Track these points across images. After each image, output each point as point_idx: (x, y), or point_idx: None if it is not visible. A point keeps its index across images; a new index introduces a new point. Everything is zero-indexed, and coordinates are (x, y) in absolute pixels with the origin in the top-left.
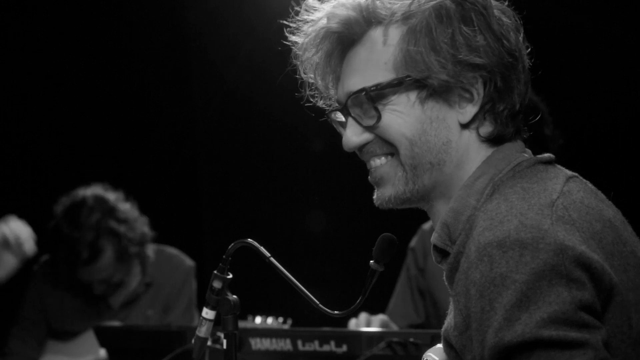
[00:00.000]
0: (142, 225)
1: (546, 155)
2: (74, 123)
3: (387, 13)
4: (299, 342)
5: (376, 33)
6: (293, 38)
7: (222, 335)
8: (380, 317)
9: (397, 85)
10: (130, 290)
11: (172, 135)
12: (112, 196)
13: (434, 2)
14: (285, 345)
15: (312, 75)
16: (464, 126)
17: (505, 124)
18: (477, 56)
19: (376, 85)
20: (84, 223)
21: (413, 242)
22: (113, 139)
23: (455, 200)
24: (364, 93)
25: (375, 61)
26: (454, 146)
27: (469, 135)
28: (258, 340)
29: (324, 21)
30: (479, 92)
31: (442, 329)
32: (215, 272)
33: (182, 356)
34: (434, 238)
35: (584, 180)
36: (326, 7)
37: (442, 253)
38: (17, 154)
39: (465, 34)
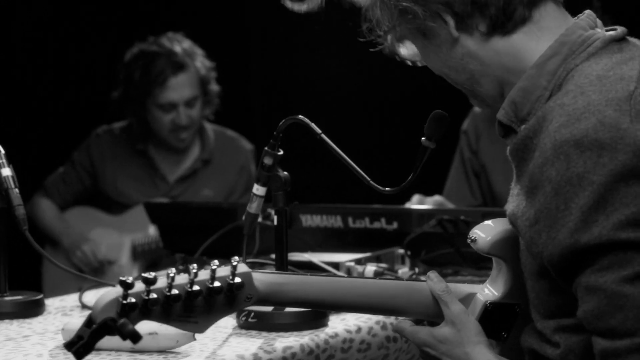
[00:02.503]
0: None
1: (619, 30)
2: None
3: None
4: (350, 219)
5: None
6: None
7: (272, 212)
8: (435, 198)
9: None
10: (188, 165)
11: (223, 14)
12: None
13: None
14: (335, 222)
15: None
16: (463, 37)
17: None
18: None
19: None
20: (165, 43)
21: (465, 125)
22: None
23: (525, 79)
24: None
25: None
26: (473, 56)
27: (476, 41)
28: (309, 217)
29: None
30: (443, 15)
31: (508, 211)
32: (266, 148)
33: (233, 232)
34: (499, 114)
35: None
36: None
37: (506, 129)
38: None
39: None
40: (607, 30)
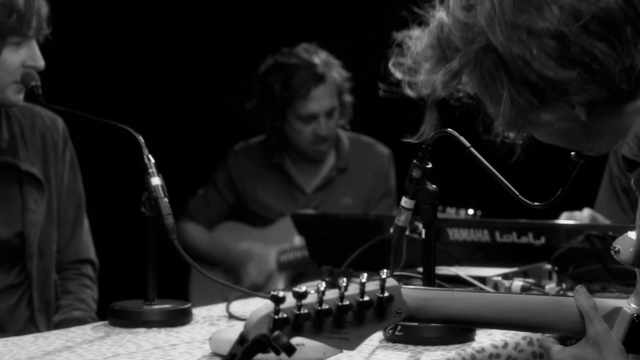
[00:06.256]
0: None
1: None
2: None
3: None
4: (497, 234)
5: None
6: None
7: (420, 225)
8: (587, 212)
9: None
10: (324, 175)
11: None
12: None
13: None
14: (483, 236)
15: None
16: (588, 118)
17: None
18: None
19: None
20: (303, 55)
21: None
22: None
23: None
24: None
25: None
26: (605, 127)
27: (607, 116)
28: (456, 230)
29: None
30: (570, 103)
31: (635, 240)
32: (414, 161)
33: (380, 245)
34: (624, 149)
35: None
36: None
37: (631, 164)
38: None
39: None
40: None
